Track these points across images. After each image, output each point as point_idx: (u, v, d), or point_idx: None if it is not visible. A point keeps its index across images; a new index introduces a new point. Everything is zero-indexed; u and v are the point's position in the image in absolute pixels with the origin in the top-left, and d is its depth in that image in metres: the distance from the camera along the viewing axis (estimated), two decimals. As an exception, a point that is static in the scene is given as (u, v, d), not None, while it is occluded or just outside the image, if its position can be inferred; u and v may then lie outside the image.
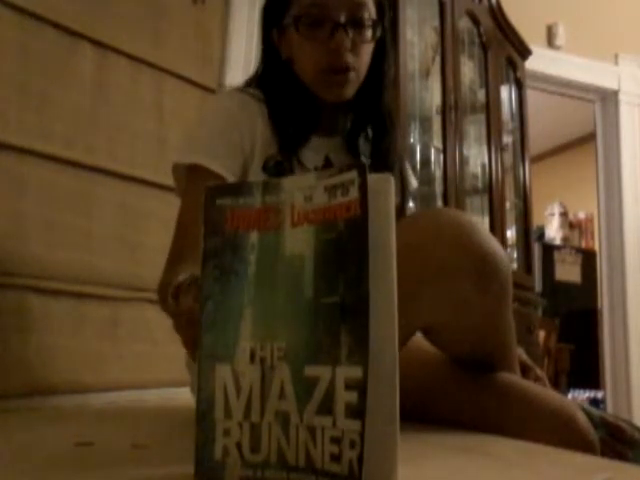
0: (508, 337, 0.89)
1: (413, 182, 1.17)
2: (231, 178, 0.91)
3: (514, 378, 0.89)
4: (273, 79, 0.99)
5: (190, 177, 0.93)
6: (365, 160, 0.99)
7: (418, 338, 0.96)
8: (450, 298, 0.80)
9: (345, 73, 0.92)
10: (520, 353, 0.97)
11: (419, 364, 0.92)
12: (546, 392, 0.87)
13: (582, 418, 0.82)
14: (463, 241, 0.78)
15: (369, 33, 0.93)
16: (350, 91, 0.95)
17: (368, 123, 1.01)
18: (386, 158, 0.99)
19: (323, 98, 0.96)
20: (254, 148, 0.94)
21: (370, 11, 0.93)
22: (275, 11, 0.97)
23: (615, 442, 0.84)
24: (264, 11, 1.00)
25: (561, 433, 0.80)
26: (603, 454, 0.80)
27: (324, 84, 0.94)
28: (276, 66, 0.98)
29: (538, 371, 0.98)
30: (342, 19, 0.90)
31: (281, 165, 0.93)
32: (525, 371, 0.96)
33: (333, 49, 0.90)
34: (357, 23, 0.92)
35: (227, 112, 0.97)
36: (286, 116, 0.96)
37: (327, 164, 0.99)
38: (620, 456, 0.83)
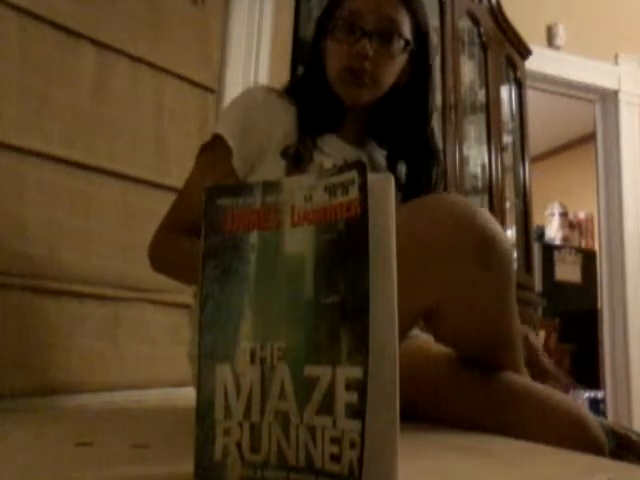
0: (512, 326, 0.87)
1: None
2: (238, 155, 0.98)
3: (520, 378, 0.87)
4: (308, 79, 1.08)
5: (207, 148, 1.03)
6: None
7: (421, 337, 0.96)
8: (453, 279, 0.81)
9: (361, 76, 0.99)
10: (543, 360, 0.96)
11: (421, 363, 0.91)
12: (554, 393, 0.85)
13: (593, 421, 0.81)
14: (464, 222, 0.79)
15: (395, 49, 1.00)
16: (365, 96, 1.02)
17: (404, 152, 1.09)
18: (419, 192, 1.02)
19: (342, 97, 1.03)
20: (272, 135, 1.00)
21: (401, 30, 1.00)
22: (325, 22, 1.05)
23: (622, 451, 0.84)
24: (317, 22, 1.09)
25: (570, 435, 0.79)
26: None
27: (342, 83, 1.01)
28: (314, 69, 1.07)
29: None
30: (369, 29, 0.98)
31: (300, 152, 0.98)
32: (544, 376, 0.96)
33: (355, 53, 0.98)
34: (384, 36, 0.99)
35: (250, 98, 1.04)
36: (310, 109, 1.03)
37: None
38: None
